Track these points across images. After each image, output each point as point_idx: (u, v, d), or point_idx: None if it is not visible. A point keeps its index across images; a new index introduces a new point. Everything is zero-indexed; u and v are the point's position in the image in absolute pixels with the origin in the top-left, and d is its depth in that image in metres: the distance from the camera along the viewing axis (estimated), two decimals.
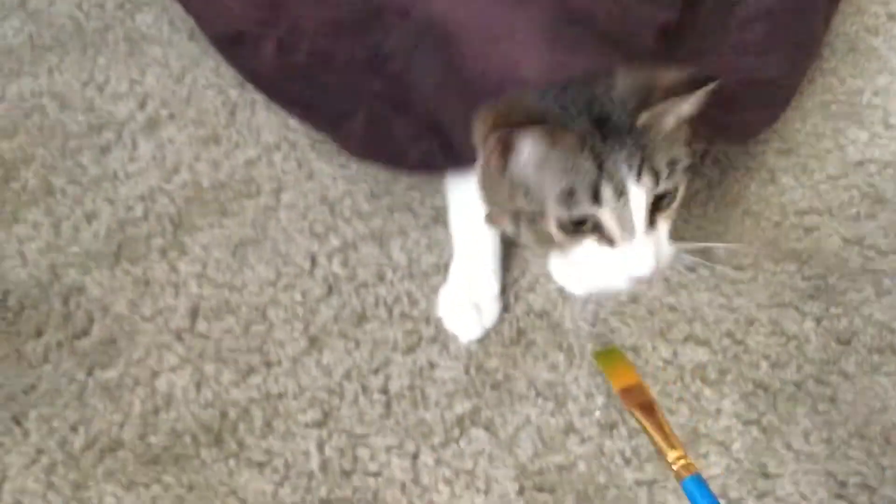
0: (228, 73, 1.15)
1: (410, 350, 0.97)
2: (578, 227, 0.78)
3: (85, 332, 0.95)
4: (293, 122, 1.12)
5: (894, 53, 1.29)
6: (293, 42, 1.04)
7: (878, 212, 1.12)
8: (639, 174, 0.75)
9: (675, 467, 0.76)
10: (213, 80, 1.15)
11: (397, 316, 1.00)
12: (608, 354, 0.97)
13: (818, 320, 1.03)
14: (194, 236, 1.03)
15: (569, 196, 0.76)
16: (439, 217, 1.07)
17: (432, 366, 0.97)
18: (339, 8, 1.00)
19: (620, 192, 0.75)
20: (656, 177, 0.76)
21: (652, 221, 0.78)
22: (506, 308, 1.01)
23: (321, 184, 1.08)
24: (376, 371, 0.96)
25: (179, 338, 0.95)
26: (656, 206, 0.78)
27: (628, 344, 1.00)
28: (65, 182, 1.05)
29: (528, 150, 0.77)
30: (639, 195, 0.76)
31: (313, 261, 1.02)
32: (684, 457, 0.77)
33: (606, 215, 0.76)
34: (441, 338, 0.98)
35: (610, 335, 1.00)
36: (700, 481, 0.74)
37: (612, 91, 0.78)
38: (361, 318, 0.99)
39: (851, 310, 1.04)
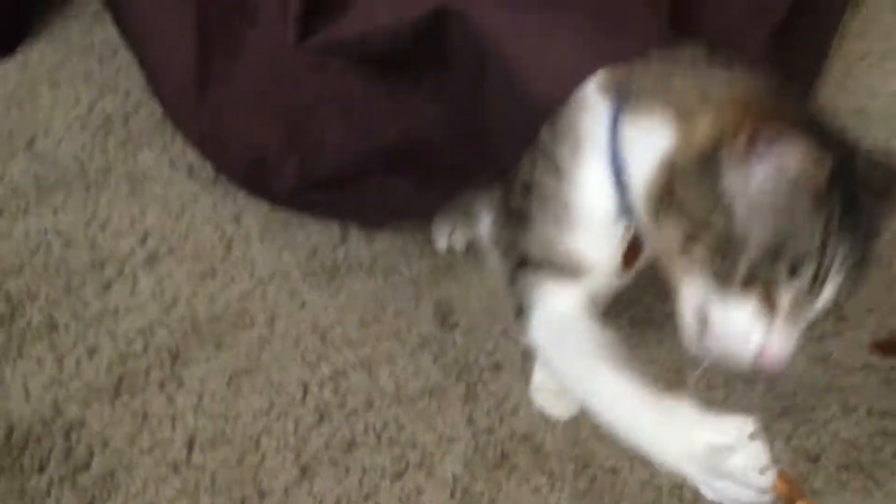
0: (225, 209, 1.22)
1: (398, 476, 1.01)
2: (756, 277, 0.69)
3: (86, 467, 0.99)
4: (287, 256, 1.19)
5: None
6: (316, 159, 1.11)
7: (842, 330, 1.18)
8: (848, 273, 0.70)
9: None
10: (210, 215, 1.22)
11: (385, 442, 1.04)
12: None
13: (788, 438, 1.08)
14: (191, 368, 1.08)
15: (772, 250, 0.67)
16: (425, 344, 1.12)
17: (419, 491, 1.00)
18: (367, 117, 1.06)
19: (818, 282, 0.68)
20: (856, 282, 0.71)
21: None
22: (490, 430, 1.06)
23: (313, 313, 1.14)
24: (366, 498, 1.00)
25: (176, 470, 0.99)
26: None
27: (607, 465, 1.04)
28: (68, 317, 1.11)
29: (784, 171, 0.68)
30: (831, 290, 0.70)
31: (305, 389, 1.07)
32: None
33: (788, 292, 0.69)
34: (427, 463, 1.03)
35: (590, 457, 1.05)
36: None
37: (864, 165, 0.71)
38: (351, 445, 1.03)
39: (819, 427, 1.09)
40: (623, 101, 0.79)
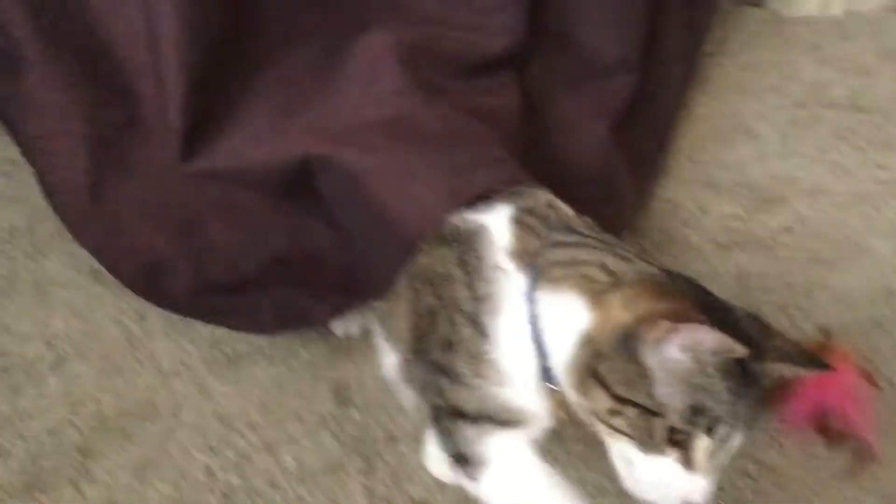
0: (129, 308, 1.29)
1: None
2: (673, 436, 0.78)
3: None
4: (190, 347, 1.27)
5: (706, 243, 1.54)
6: (209, 264, 1.19)
7: None
8: (748, 426, 0.80)
9: None
10: (115, 315, 1.29)
11: None
12: None
13: None
14: (101, 462, 1.13)
15: (692, 413, 0.76)
16: (324, 422, 1.21)
17: None
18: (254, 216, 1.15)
19: (730, 435, 0.79)
20: (755, 430, 0.82)
21: None
22: (388, 500, 1.14)
23: (216, 401, 1.22)
24: None
25: None
26: None
27: None
28: None
29: (697, 352, 0.76)
30: (738, 441, 0.80)
31: (210, 473, 1.14)
32: None
33: (705, 446, 0.78)
34: None
35: None
36: None
37: (740, 323, 0.81)
38: None
39: None
40: (535, 272, 0.87)
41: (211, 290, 1.19)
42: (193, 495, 1.12)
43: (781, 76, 2.02)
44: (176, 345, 1.27)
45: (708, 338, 0.75)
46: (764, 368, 0.80)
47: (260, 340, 1.29)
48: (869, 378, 1.31)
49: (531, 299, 0.85)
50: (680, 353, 0.76)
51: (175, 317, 1.29)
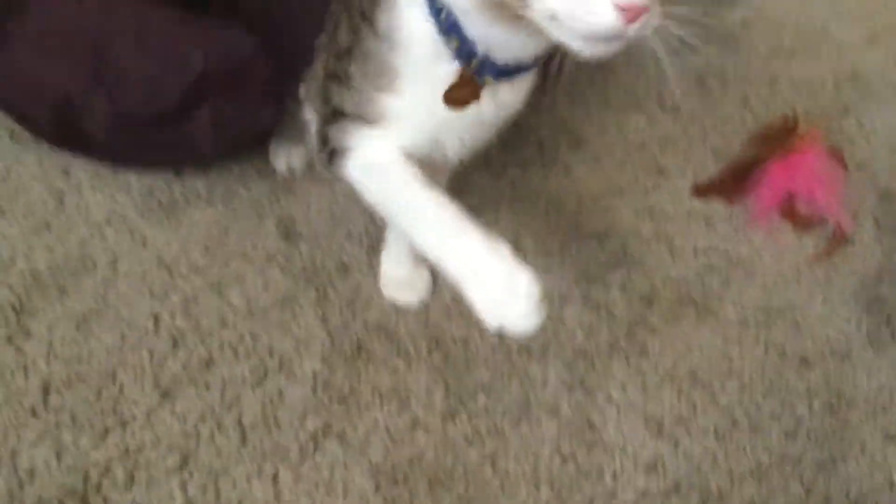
0: (52, 165, 1.21)
1: (259, 383, 1.04)
2: None
3: None
4: (121, 197, 1.19)
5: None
6: (125, 95, 1.11)
7: (661, 183, 1.27)
8: None
9: None
10: (37, 172, 1.20)
11: (243, 355, 1.06)
12: None
13: (622, 286, 1.15)
14: (38, 319, 1.07)
15: None
16: (271, 258, 1.15)
17: (281, 393, 1.04)
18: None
19: None
20: None
21: None
22: (344, 325, 1.10)
23: (156, 249, 1.15)
24: (229, 408, 1.02)
25: (35, 414, 1.00)
26: None
27: (458, 338, 1.09)
28: None
29: None
30: None
31: (156, 319, 1.08)
32: None
33: None
34: (286, 366, 1.06)
35: (441, 334, 1.10)
36: None
37: None
38: (209, 363, 1.05)
39: (650, 272, 1.17)
40: None
41: (134, 126, 1.11)
42: (139, 341, 1.06)
43: None
44: (105, 196, 1.19)
45: None
46: None
47: (196, 184, 1.22)
48: (838, 158, 1.26)
49: None
50: None
51: (102, 169, 1.21)
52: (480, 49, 0.80)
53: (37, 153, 1.22)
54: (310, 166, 1.26)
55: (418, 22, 0.80)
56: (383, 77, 0.84)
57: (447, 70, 0.82)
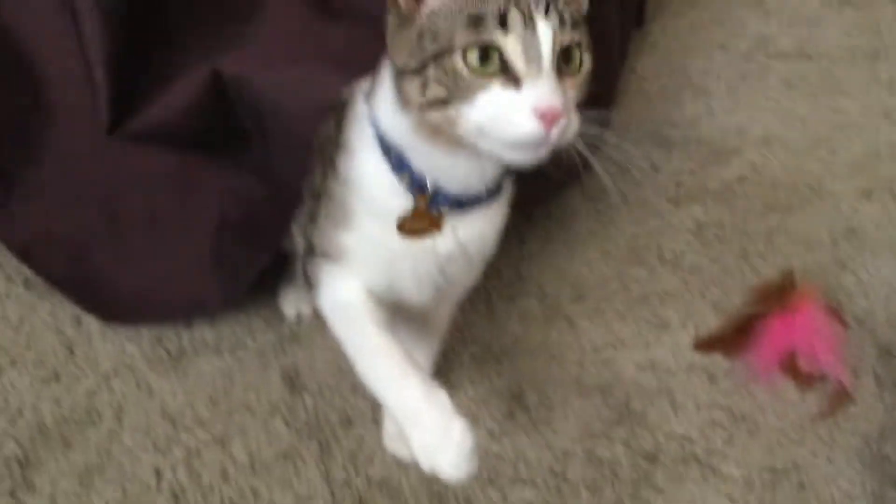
0: (64, 314, 1.24)
1: None
2: (485, 64, 0.73)
3: None
4: (130, 347, 1.21)
5: (660, 199, 1.51)
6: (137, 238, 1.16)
7: (663, 337, 1.28)
8: (546, 9, 0.74)
9: None
10: (49, 321, 1.23)
11: None
12: None
13: (626, 443, 1.15)
14: (41, 472, 1.08)
15: (476, 23, 0.73)
16: (275, 410, 1.16)
17: None
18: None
19: (527, 21, 0.73)
20: (562, 20, 0.74)
21: (560, 77, 0.75)
22: (347, 481, 1.09)
23: (161, 399, 1.16)
24: None
25: None
26: (564, 59, 0.75)
27: (461, 496, 1.09)
28: None
29: None
30: (545, 29, 0.73)
31: (158, 474, 1.08)
32: None
33: (512, 45, 0.73)
34: None
35: (445, 490, 1.09)
36: None
37: None
38: None
39: (654, 428, 1.17)
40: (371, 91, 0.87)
41: (146, 273, 1.15)
42: (141, 498, 1.06)
43: (727, 33, 1.99)
44: (115, 346, 1.21)
45: None
46: None
47: (204, 333, 1.24)
48: (836, 316, 1.28)
49: (371, 111, 0.85)
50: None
51: None
52: (430, 180, 0.83)
53: (50, 301, 1.25)
54: (317, 314, 1.28)
55: (371, 163, 0.85)
56: (340, 215, 0.89)
57: (400, 204, 0.85)
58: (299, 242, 1.01)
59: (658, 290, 1.35)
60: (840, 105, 1.76)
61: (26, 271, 1.27)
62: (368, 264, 0.90)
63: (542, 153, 0.75)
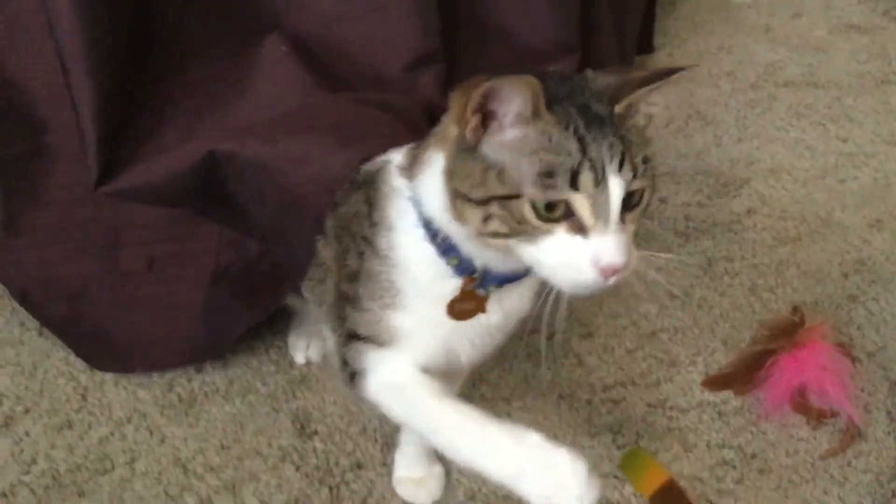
0: (77, 361, 1.25)
1: None
2: (552, 212, 0.73)
3: None
4: (142, 393, 1.23)
5: (668, 233, 1.51)
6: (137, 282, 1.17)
7: (673, 375, 1.28)
8: (620, 165, 0.73)
9: None
10: (63, 368, 1.25)
11: None
12: (631, 459, 1.02)
13: None
14: None
15: (547, 177, 0.72)
16: (286, 456, 1.17)
17: None
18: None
19: (599, 180, 0.73)
20: (634, 171, 0.74)
21: (623, 220, 0.75)
22: None
23: (173, 446, 1.17)
24: None
25: None
26: (626, 203, 0.75)
27: None
28: None
29: (512, 114, 0.74)
30: (617, 185, 0.73)
31: None
32: None
33: (581, 202, 0.73)
34: None
35: None
36: None
37: (589, 84, 0.78)
38: None
39: (665, 468, 1.16)
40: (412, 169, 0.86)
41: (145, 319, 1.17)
42: None
43: (734, 61, 2.00)
44: (127, 392, 1.23)
45: (497, 85, 0.71)
46: (620, 100, 0.75)
47: (215, 378, 1.26)
48: (846, 352, 1.27)
49: (412, 191, 0.84)
50: (500, 132, 0.75)
51: None
52: (479, 265, 0.83)
53: (64, 349, 1.27)
54: (326, 358, 1.29)
55: (416, 245, 0.84)
56: (388, 296, 0.87)
57: (450, 285, 0.85)
58: (327, 324, 0.99)
59: (667, 325, 1.35)
60: (848, 133, 1.76)
61: None
62: (424, 342, 0.88)
63: (599, 291, 0.75)
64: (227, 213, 1.11)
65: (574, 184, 0.72)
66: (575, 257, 0.73)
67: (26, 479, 1.13)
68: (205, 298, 1.16)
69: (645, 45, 1.96)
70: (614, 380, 1.27)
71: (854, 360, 1.27)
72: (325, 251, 0.95)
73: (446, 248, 0.83)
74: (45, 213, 1.15)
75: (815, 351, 1.23)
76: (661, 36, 2.05)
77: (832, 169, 1.66)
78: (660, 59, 2.00)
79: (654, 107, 0.80)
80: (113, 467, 1.15)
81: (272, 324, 1.23)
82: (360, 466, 1.16)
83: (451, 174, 0.78)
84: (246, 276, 1.15)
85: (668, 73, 0.78)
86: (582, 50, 1.37)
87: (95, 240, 1.14)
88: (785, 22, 2.16)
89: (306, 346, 1.30)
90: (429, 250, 0.84)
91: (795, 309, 1.30)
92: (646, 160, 0.75)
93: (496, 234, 0.76)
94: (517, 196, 0.73)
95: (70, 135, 1.07)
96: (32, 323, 1.30)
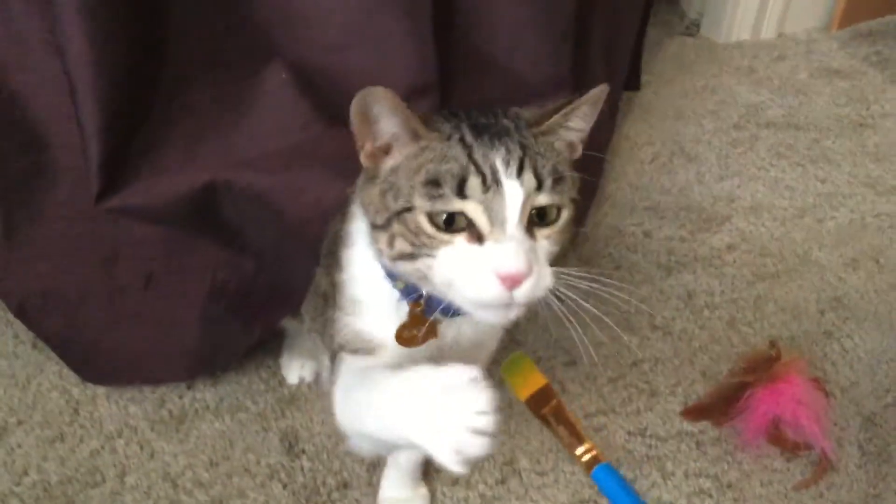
0: (71, 374, 1.27)
1: None
2: (452, 224, 0.74)
3: None
4: (133, 408, 1.25)
5: (651, 266, 1.55)
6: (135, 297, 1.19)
7: (653, 404, 1.31)
8: (519, 171, 0.73)
9: (584, 460, 0.85)
10: (56, 382, 1.27)
11: None
12: (514, 364, 1.04)
13: None
14: None
15: (434, 186, 0.74)
16: (274, 474, 1.19)
17: None
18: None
19: (489, 185, 0.73)
20: (539, 180, 0.74)
21: (531, 234, 0.75)
22: None
23: (163, 461, 1.19)
24: None
25: None
26: (541, 218, 0.76)
27: None
28: None
29: (395, 136, 0.77)
30: (515, 191, 0.73)
31: None
32: (592, 449, 0.86)
33: (474, 208, 0.73)
34: None
35: None
36: (610, 469, 0.80)
37: (505, 111, 0.81)
38: None
39: (644, 495, 1.20)
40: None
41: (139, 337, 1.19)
42: None
43: (718, 101, 2.06)
44: (119, 407, 1.25)
45: (361, 96, 0.74)
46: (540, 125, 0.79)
47: (206, 395, 1.28)
48: (820, 386, 1.32)
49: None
50: (392, 157, 0.78)
51: None
52: (425, 291, 0.81)
53: (58, 362, 1.28)
54: (317, 379, 1.31)
55: (369, 264, 0.86)
56: (351, 306, 0.89)
57: (402, 308, 0.86)
58: (318, 337, 1.01)
59: (648, 356, 1.39)
60: (827, 174, 1.81)
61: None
62: (390, 354, 0.88)
63: (513, 315, 0.75)
64: (225, 236, 1.14)
65: (462, 191, 0.73)
66: (472, 265, 0.73)
67: (18, 490, 1.15)
68: (202, 314, 1.19)
69: (632, 82, 2.01)
70: (596, 408, 1.31)
71: (828, 394, 1.31)
72: (324, 280, 0.97)
73: (390, 272, 0.85)
74: (44, 227, 1.16)
75: (790, 385, 1.26)
76: (648, 74, 2.10)
77: (810, 208, 1.72)
78: (646, 97, 2.05)
79: (577, 133, 0.81)
80: (103, 480, 1.16)
81: (263, 343, 1.25)
82: (346, 486, 1.19)
83: (362, 205, 0.82)
84: (243, 293, 1.17)
85: (582, 97, 0.79)
86: (573, 85, 1.41)
87: (93, 254, 1.16)
88: (768, 64, 2.23)
89: (300, 366, 1.33)
90: (379, 272, 0.86)
91: (772, 343, 1.34)
92: (560, 179, 0.76)
93: (402, 256, 0.76)
94: (410, 209, 0.74)
95: (71, 151, 1.09)
96: (27, 336, 1.32)
